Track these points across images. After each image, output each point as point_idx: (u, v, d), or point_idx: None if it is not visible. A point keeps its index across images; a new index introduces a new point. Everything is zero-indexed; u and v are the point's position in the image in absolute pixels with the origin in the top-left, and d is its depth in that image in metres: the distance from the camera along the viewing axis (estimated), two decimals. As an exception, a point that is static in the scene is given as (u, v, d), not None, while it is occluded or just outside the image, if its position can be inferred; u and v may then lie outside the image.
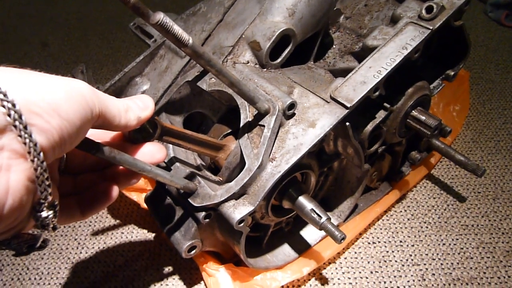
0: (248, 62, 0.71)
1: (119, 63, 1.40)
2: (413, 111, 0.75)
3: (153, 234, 0.90)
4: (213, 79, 0.68)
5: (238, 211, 0.59)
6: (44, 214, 0.35)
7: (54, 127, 0.33)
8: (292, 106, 0.63)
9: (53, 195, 0.36)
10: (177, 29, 0.45)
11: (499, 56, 1.33)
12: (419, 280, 0.82)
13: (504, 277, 0.82)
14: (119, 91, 0.81)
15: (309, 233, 0.84)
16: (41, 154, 0.32)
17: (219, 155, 0.65)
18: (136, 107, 0.46)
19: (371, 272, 0.84)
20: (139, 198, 0.87)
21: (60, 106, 0.34)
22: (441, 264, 0.84)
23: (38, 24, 1.63)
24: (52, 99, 0.34)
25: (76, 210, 0.49)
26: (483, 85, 1.24)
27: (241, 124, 0.63)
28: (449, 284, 0.81)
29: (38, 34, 1.57)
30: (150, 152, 0.50)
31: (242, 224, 0.60)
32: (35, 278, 0.85)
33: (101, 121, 0.41)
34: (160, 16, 0.43)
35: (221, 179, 0.67)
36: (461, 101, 1.11)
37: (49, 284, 0.84)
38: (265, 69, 0.71)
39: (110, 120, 0.42)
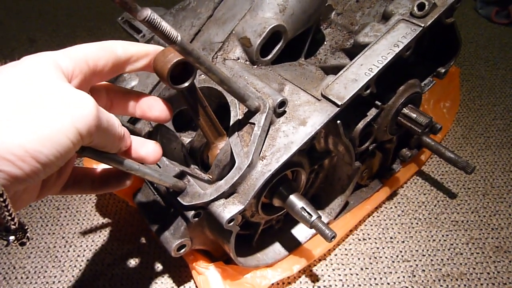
0: (238, 59, 0.70)
1: (108, 59, 1.38)
2: (404, 108, 0.75)
3: (142, 232, 0.89)
4: (202, 75, 0.67)
5: (227, 210, 0.58)
6: (8, 237, 0.36)
7: (26, 173, 0.33)
8: (282, 103, 0.62)
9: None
10: (165, 25, 0.44)
11: (489, 52, 1.34)
12: (409, 277, 0.82)
13: (494, 273, 0.82)
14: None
15: (300, 231, 0.84)
16: (7, 200, 0.32)
17: (216, 142, 0.64)
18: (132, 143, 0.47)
19: (362, 269, 0.84)
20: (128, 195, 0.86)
21: (40, 152, 0.33)
22: (431, 260, 0.85)
23: (26, 20, 1.60)
24: (31, 146, 0.32)
25: (88, 185, 0.51)
26: (473, 82, 1.24)
27: (231, 122, 0.62)
28: (439, 280, 0.81)
29: (26, 30, 1.54)
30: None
31: (231, 223, 0.59)
32: (21, 277, 0.83)
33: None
34: (148, 12, 0.42)
35: (210, 177, 0.66)
36: (452, 97, 1.11)
37: (36, 283, 0.82)
38: (255, 66, 0.70)
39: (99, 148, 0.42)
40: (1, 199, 0.32)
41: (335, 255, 0.86)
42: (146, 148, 0.49)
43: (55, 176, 0.44)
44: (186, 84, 0.51)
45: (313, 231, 0.81)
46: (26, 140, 0.32)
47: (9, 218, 0.34)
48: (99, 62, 0.42)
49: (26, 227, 0.37)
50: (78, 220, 0.92)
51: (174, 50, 0.47)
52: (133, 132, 0.67)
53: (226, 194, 0.59)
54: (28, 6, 1.67)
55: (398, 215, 0.92)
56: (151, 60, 0.48)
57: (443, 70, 0.82)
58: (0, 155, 0.31)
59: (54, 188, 0.45)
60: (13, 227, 0.35)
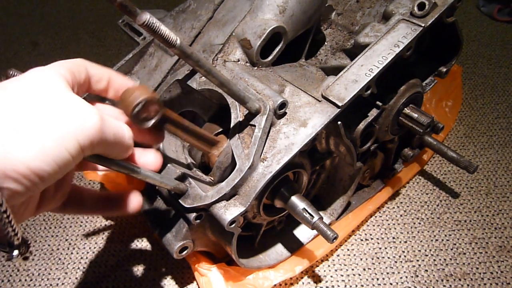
0: (238, 60, 0.70)
1: (110, 62, 1.38)
2: (405, 108, 0.75)
3: (145, 234, 0.90)
4: (203, 77, 0.68)
5: (229, 212, 0.58)
6: (12, 252, 0.37)
7: (28, 188, 0.33)
8: (283, 105, 0.62)
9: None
10: (165, 29, 0.44)
11: (492, 50, 1.33)
12: (412, 277, 0.82)
13: (497, 272, 0.82)
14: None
15: (302, 232, 0.84)
16: (10, 216, 0.33)
17: (212, 151, 0.64)
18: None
19: (364, 269, 0.84)
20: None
21: (42, 168, 0.33)
22: (434, 260, 0.84)
23: (28, 23, 1.60)
24: (34, 163, 0.32)
25: (90, 206, 0.51)
26: (475, 80, 1.24)
27: (232, 124, 0.62)
28: (442, 280, 0.81)
29: (28, 33, 1.55)
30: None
31: (233, 225, 0.59)
32: (25, 280, 0.84)
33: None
34: (147, 17, 0.42)
35: (212, 179, 0.66)
36: (454, 96, 1.11)
37: (39, 285, 0.83)
38: (256, 67, 0.70)
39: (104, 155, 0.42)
40: (5, 215, 0.32)
41: (338, 255, 0.86)
42: (146, 157, 0.49)
43: (52, 189, 0.44)
44: (151, 122, 0.45)
45: (315, 232, 0.81)
46: (30, 157, 0.32)
47: (13, 233, 0.35)
48: (81, 76, 0.42)
49: (29, 242, 0.38)
50: (81, 222, 0.93)
51: (140, 88, 0.43)
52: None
53: (228, 196, 0.59)
54: (30, 9, 1.68)
55: (401, 215, 0.92)
56: (108, 85, 0.47)
57: (444, 69, 0.81)
58: (4, 172, 0.31)
59: (53, 202, 0.45)
60: (16, 242, 0.36)
